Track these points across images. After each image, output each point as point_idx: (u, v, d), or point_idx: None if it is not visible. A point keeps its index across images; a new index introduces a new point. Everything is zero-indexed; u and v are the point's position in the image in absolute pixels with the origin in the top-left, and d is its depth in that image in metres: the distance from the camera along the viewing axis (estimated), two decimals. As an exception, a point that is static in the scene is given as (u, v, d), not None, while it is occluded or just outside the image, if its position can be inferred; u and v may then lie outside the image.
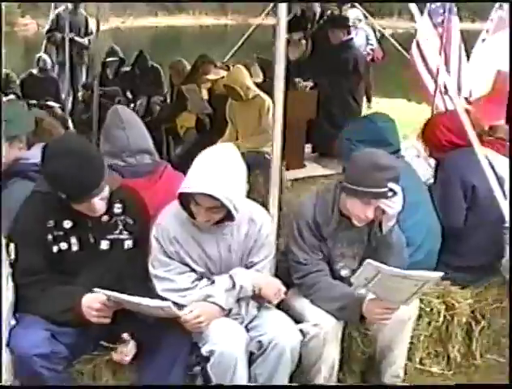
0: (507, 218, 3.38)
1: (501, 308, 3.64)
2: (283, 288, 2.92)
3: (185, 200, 2.79)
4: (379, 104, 11.20)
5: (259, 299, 2.92)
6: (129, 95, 8.78)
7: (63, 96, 8.75)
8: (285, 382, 2.93)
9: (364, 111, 10.45)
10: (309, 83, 7.17)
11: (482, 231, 3.68)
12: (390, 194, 2.90)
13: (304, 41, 7.92)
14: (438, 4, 8.11)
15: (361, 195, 2.92)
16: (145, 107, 8.69)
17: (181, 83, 7.18)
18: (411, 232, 3.42)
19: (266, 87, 7.26)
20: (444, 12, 7.71)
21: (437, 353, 3.59)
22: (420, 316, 3.44)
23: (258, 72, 7.88)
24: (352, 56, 7.19)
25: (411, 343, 3.44)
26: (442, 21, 7.25)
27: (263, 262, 2.95)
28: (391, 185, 2.90)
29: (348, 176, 2.99)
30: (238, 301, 2.88)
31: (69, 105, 8.59)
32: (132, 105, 8.76)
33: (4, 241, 2.68)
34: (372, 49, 10.79)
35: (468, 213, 3.69)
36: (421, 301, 3.45)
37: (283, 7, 3.15)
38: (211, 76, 6.45)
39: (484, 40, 8.05)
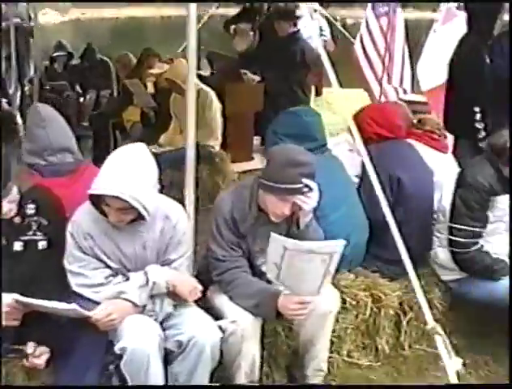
0: (443, 212, 3.44)
1: (429, 299, 3.67)
2: (200, 287, 2.91)
3: (97, 200, 2.76)
4: (333, 94, 11.23)
5: (175, 297, 2.90)
6: (78, 89, 8.70)
7: (11, 91, 8.60)
8: (205, 379, 2.92)
9: (313, 103, 10.61)
10: (257, 77, 7.13)
11: (409, 224, 3.70)
12: (305, 189, 2.90)
13: (251, 33, 7.87)
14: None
15: (277, 192, 2.92)
16: (94, 101, 8.63)
17: (126, 76, 7.13)
18: (336, 227, 3.43)
19: (213, 80, 7.32)
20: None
21: (364, 345, 3.61)
22: (346, 309, 3.47)
23: (206, 65, 7.87)
24: (300, 48, 7.13)
25: (339, 336, 3.48)
26: (386, 12, 7.28)
27: (180, 260, 2.94)
28: (306, 181, 2.90)
29: (265, 172, 2.99)
30: (152, 297, 2.86)
31: (17, 100, 8.45)
32: (82, 99, 8.70)
33: None
34: (325, 40, 10.81)
35: (395, 206, 3.70)
36: (347, 294, 3.48)
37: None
38: (154, 70, 6.39)
39: (435, 30, 8.11)
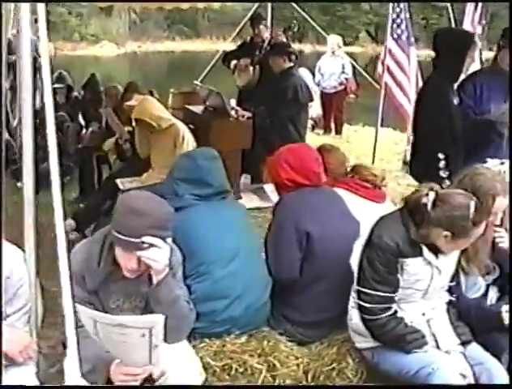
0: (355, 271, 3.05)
1: (339, 369, 3.25)
2: (34, 346, 2.60)
3: None
4: (357, 133, 10.87)
5: (7, 356, 2.60)
6: (81, 120, 8.62)
7: (15, 122, 8.61)
8: None
9: (331, 141, 10.25)
10: (247, 113, 6.87)
11: (321, 283, 3.32)
12: (145, 245, 2.57)
13: (251, 68, 7.66)
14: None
15: (119, 244, 2.61)
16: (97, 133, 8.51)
17: (113, 109, 6.97)
18: (222, 285, 3.13)
19: (205, 116, 7.11)
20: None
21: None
22: (235, 376, 3.10)
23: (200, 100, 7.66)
24: (292, 84, 6.86)
25: (227, 406, 3.09)
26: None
27: (16, 315, 2.64)
28: (148, 236, 2.56)
29: (112, 220, 2.68)
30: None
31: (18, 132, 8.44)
32: (84, 131, 8.61)
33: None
34: (346, 78, 10.49)
35: (304, 263, 3.33)
36: (234, 360, 3.11)
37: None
38: (129, 103, 6.20)
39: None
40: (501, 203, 3.19)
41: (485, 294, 3.37)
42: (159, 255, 2.59)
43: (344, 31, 28.89)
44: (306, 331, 3.36)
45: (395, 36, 7.82)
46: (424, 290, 3.06)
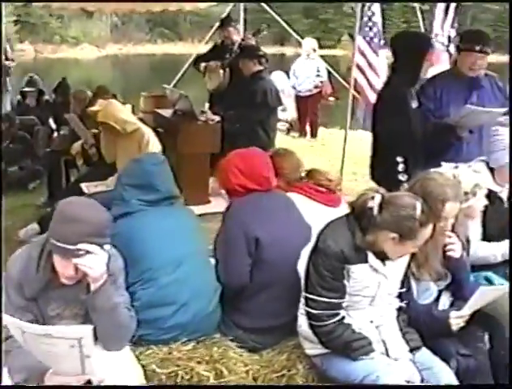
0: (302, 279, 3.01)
1: (289, 376, 3.21)
2: None
3: None
4: (332, 135, 10.86)
5: None
6: (52, 124, 8.56)
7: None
8: None
9: (306, 144, 10.25)
10: (216, 117, 6.83)
11: (271, 289, 3.28)
12: (81, 252, 2.52)
13: (221, 71, 7.62)
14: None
15: (58, 251, 2.56)
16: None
17: (81, 113, 6.91)
18: (168, 292, 3.10)
19: (174, 120, 7.06)
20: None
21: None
22: (180, 386, 3.05)
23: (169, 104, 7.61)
24: (262, 88, 6.84)
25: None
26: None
27: None
28: (83, 245, 2.52)
29: (50, 228, 2.63)
30: None
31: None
32: (56, 134, 8.54)
33: None
34: (321, 82, 10.48)
35: (254, 269, 3.29)
36: (181, 367, 3.07)
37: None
38: (93, 108, 6.13)
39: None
40: (452, 208, 3.17)
41: (437, 299, 3.37)
42: (95, 262, 2.55)
43: (326, 34, 29.05)
44: (257, 338, 3.32)
45: (368, 38, 7.83)
46: (371, 297, 3.03)
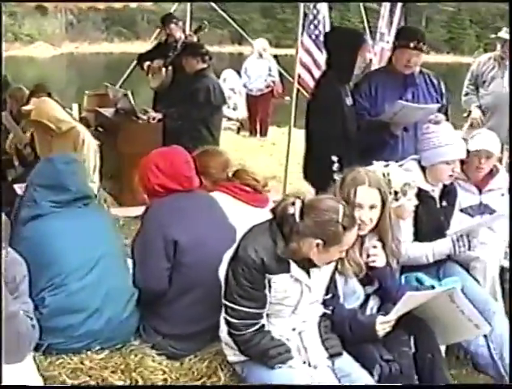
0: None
1: (209, 383, 3.08)
2: None
3: None
4: (283, 135, 10.76)
5: None
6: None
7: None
8: None
9: (256, 143, 10.15)
10: (158, 115, 6.68)
11: (191, 294, 3.15)
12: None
13: (164, 69, 7.46)
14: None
15: None
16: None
17: (17, 111, 6.68)
18: (82, 296, 2.95)
19: (115, 119, 6.90)
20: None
21: None
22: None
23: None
24: (204, 86, 6.68)
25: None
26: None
27: None
28: None
29: None
30: None
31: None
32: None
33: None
34: (273, 81, 10.39)
35: (173, 273, 3.15)
36: (93, 377, 2.91)
37: None
38: (26, 107, 5.92)
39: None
40: (365, 193, 3.09)
41: (366, 303, 3.28)
42: None
43: (284, 34, 29.04)
44: (178, 344, 3.18)
45: (313, 36, 7.75)
46: (293, 306, 2.90)
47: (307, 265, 2.85)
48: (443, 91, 4.54)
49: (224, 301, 2.89)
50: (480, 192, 4.13)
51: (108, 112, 7.06)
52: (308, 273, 2.86)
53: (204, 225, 3.20)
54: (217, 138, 7.06)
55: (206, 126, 6.82)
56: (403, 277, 3.61)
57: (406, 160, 3.86)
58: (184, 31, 7.90)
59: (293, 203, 2.79)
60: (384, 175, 3.44)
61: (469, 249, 3.60)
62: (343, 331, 3.02)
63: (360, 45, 4.23)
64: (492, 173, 4.15)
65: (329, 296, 3.04)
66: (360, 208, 3.08)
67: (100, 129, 6.96)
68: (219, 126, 7.19)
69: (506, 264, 3.96)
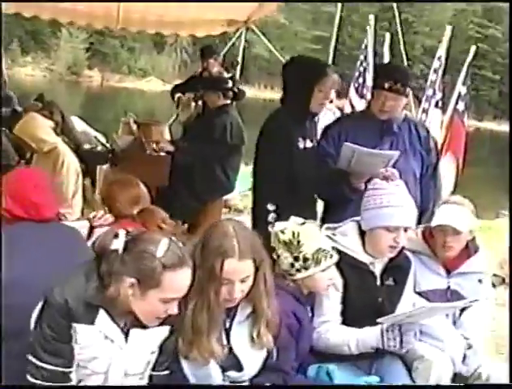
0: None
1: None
2: None
3: None
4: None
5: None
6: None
7: None
8: None
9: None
10: (169, 147, 6.29)
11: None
12: None
13: (193, 103, 7.09)
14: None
15: None
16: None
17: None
18: None
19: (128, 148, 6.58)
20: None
21: None
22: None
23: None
24: (221, 123, 6.21)
25: None
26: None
27: None
28: None
29: None
30: None
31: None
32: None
33: None
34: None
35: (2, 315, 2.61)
36: None
37: None
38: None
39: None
40: (235, 268, 2.40)
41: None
42: None
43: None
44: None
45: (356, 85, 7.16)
46: (103, 373, 2.30)
47: (132, 322, 2.25)
48: (431, 145, 3.78)
49: (28, 356, 2.32)
50: (449, 274, 3.32)
51: (122, 140, 6.76)
52: (124, 330, 2.26)
53: (41, 264, 2.63)
54: (233, 180, 6.55)
55: (222, 165, 6.33)
56: (315, 366, 2.90)
57: (345, 221, 3.15)
58: (222, 66, 7.52)
59: (116, 235, 2.21)
60: (294, 235, 2.78)
61: (400, 345, 2.81)
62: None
63: (319, 79, 3.56)
64: (468, 253, 3.34)
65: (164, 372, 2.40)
66: (230, 283, 2.43)
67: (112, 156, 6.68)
68: (236, 167, 6.65)
69: (464, 371, 3.10)
